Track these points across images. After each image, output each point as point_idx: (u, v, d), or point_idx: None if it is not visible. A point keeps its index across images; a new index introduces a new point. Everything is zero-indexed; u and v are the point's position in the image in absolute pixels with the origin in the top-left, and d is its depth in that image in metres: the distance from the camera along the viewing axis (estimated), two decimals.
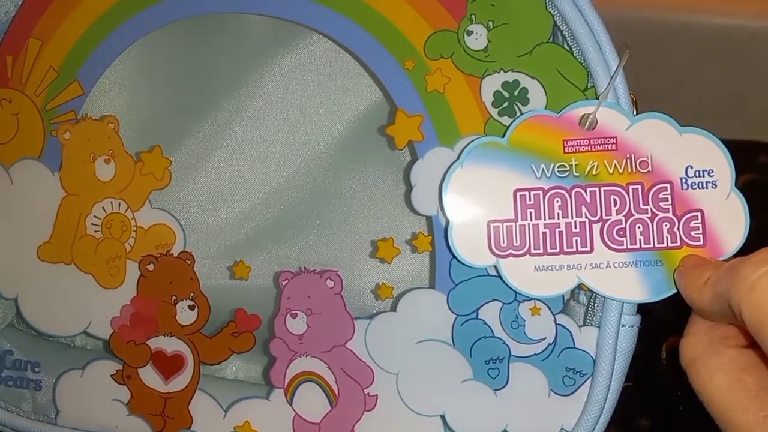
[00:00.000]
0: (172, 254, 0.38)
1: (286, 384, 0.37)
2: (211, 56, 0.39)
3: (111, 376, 0.39)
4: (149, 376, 0.39)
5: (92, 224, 0.39)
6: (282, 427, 0.37)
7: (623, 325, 0.33)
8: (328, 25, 0.36)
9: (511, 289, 0.33)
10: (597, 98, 0.33)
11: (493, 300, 0.34)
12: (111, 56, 0.38)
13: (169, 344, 0.39)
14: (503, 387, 0.35)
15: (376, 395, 0.36)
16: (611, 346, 0.33)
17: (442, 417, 0.35)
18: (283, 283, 0.37)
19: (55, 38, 0.39)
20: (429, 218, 0.35)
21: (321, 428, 0.37)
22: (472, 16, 0.34)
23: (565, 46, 0.34)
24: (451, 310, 0.35)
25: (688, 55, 0.47)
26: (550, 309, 0.34)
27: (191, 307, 0.38)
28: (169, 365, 0.39)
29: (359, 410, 0.36)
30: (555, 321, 0.34)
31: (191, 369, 0.38)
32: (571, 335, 0.34)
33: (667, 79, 0.48)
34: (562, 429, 0.34)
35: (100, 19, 0.38)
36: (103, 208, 0.39)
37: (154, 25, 0.38)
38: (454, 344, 0.35)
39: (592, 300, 0.34)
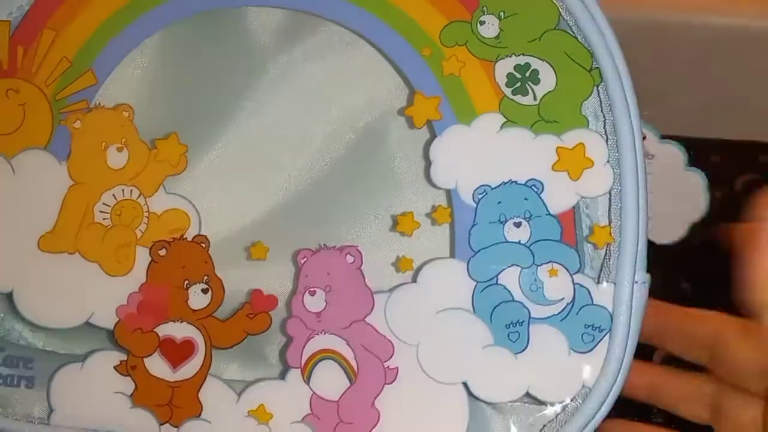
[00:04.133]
0: (185, 238, 0.39)
1: (303, 363, 0.38)
2: (227, 46, 0.41)
3: (114, 367, 0.39)
4: (156, 365, 0.39)
5: (101, 212, 0.40)
6: (299, 408, 0.38)
7: (636, 282, 0.36)
8: (345, 16, 0.39)
9: None
10: (601, 79, 0.37)
11: (512, 265, 0.37)
12: (128, 47, 0.40)
13: (179, 330, 0.39)
14: (524, 350, 0.37)
15: (396, 368, 0.37)
16: (628, 300, 0.36)
17: (464, 384, 0.37)
18: (302, 261, 0.38)
19: (71, 29, 0.40)
20: (448, 192, 0.38)
21: (340, 406, 0.38)
22: (485, 8, 0.38)
23: (570, 32, 0.38)
24: (471, 278, 0.37)
25: (688, 55, 0.50)
26: (567, 269, 0.36)
27: (204, 291, 0.39)
28: (178, 352, 0.39)
29: (379, 384, 0.37)
30: (573, 281, 0.36)
31: (202, 355, 0.39)
32: (589, 293, 0.36)
33: (667, 79, 0.51)
34: (583, 386, 0.36)
35: (119, 10, 0.40)
36: (113, 195, 0.40)
37: (173, 17, 0.40)
38: (474, 311, 0.37)
39: (606, 258, 0.36)
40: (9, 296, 0.40)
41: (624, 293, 0.36)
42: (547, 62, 0.38)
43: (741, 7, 0.53)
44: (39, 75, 0.40)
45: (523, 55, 0.38)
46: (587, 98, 0.37)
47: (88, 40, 0.40)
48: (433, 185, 0.38)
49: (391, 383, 0.37)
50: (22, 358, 0.40)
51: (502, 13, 0.38)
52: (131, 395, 0.39)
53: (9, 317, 0.42)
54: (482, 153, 0.38)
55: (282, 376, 0.38)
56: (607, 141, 0.37)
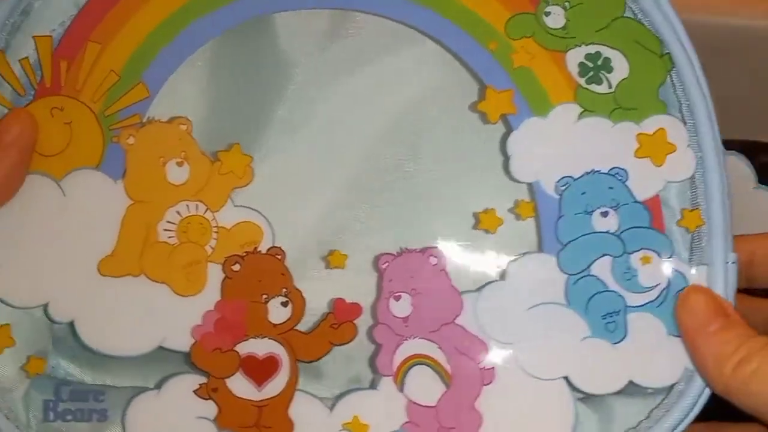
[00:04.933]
0: (259, 251, 0.38)
1: (394, 371, 0.37)
2: (282, 49, 0.40)
3: (194, 391, 0.37)
4: (239, 384, 0.37)
5: (165, 230, 0.38)
6: (395, 417, 0.37)
7: (727, 262, 0.36)
8: (407, 14, 0.38)
9: None
10: (673, 64, 0.37)
11: (603, 255, 0.37)
12: (181, 56, 0.39)
13: (261, 347, 0.38)
14: (622, 339, 0.37)
15: (493, 368, 0.37)
16: (722, 280, 0.36)
17: (565, 378, 0.36)
18: (384, 266, 0.37)
19: (117, 41, 0.38)
20: (529, 185, 0.37)
21: (438, 411, 0.37)
22: None
23: (637, 19, 0.38)
24: (562, 271, 0.37)
25: None
26: (660, 255, 0.36)
27: (284, 304, 0.37)
28: (261, 370, 0.37)
29: (477, 386, 0.37)
30: (666, 266, 0.37)
31: (287, 370, 0.37)
32: (684, 276, 0.36)
33: None
34: (686, 368, 0.36)
35: (169, 19, 0.38)
36: (177, 212, 0.38)
37: (225, 25, 0.39)
38: (568, 304, 0.37)
39: (696, 240, 0.37)
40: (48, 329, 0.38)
41: (718, 274, 0.36)
42: (618, 50, 0.38)
43: (741, 7, 0.54)
44: (85, 91, 0.38)
45: (593, 44, 0.38)
46: (662, 84, 0.38)
47: (135, 51, 0.38)
48: (513, 180, 0.38)
49: (489, 384, 0.37)
50: (92, 391, 0.38)
51: (567, 4, 0.38)
52: (215, 419, 0.37)
53: (52, 354, 0.40)
54: (562, 144, 0.37)
55: (373, 385, 0.37)
56: (685, 125, 0.37)
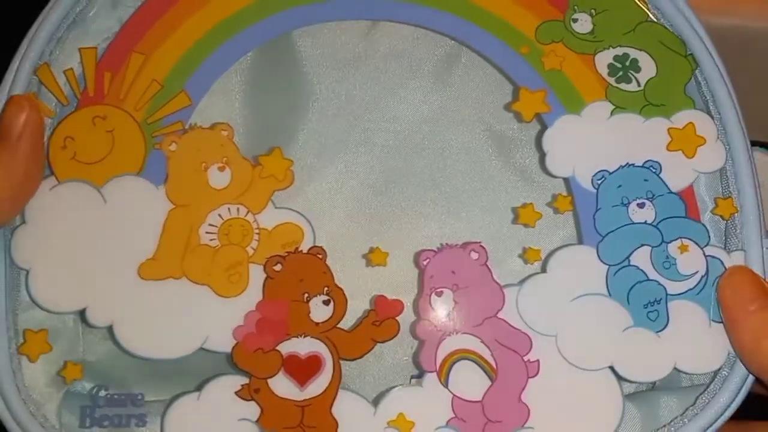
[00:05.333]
0: (301, 251, 0.38)
1: (438, 366, 0.37)
2: (317, 58, 0.41)
3: (235, 393, 0.37)
4: (282, 385, 0.37)
5: (207, 233, 0.38)
6: (441, 413, 0.37)
7: (763, 248, 0.37)
8: (443, 24, 0.40)
9: None
10: (697, 63, 0.39)
11: (642, 245, 0.37)
12: (222, 66, 0.40)
13: (303, 345, 0.37)
14: (665, 328, 0.37)
15: (538, 360, 0.37)
16: (759, 264, 0.37)
17: (611, 368, 0.36)
18: (425, 262, 0.38)
19: (160, 52, 0.40)
20: (566, 180, 0.38)
21: (485, 405, 0.37)
22: (575, 6, 0.40)
23: (660, 23, 0.39)
24: (602, 262, 0.37)
25: None
26: (697, 243, 0.37)
27: (326, 302, 0.38)
28: (304, 369, 0.37)
29: (522, 379, 0.37)
30: (704, 253, 0.37)
31: (330, 369, 0.37)
32: (722, 263, 0.37)
33: None
34: (729, 353, 0.36)
35: (210, 32, 0.40)
36: (219, 215, 0.39)
37: (267, 36, 0.40)
38: (610, 294, 0.37)
39: (731, 227, 0.37)
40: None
41: (755, 258, 0.37)
42: (645, 51, 0.39)
43: (741, 7, 0.55)
44: (128, 100, 0.39)
45: (620, 46, 0.40)
46: (688, 81, 0.39)
47: (178, 61, 0.40)
48: (550, 175, 0.38)
49: (534, 376, 0.37)
50: (130, 395, 0.38)
51: (593, 11, 0.40)
52: (257, 420, 0.37)
53: (88, 360, 0.40)
54: (596, 140, 0.39)
55: (418, 381, 0.37)
56: (713, 119, 0.38)
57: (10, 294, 0.38)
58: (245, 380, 0.37)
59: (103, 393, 0.38)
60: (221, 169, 0.39)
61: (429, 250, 0.38)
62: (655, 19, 0.40)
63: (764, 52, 0.53)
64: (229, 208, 0.39)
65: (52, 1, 0.39)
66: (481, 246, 0.38)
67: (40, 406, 0.37)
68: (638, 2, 0.40)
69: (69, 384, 0.38)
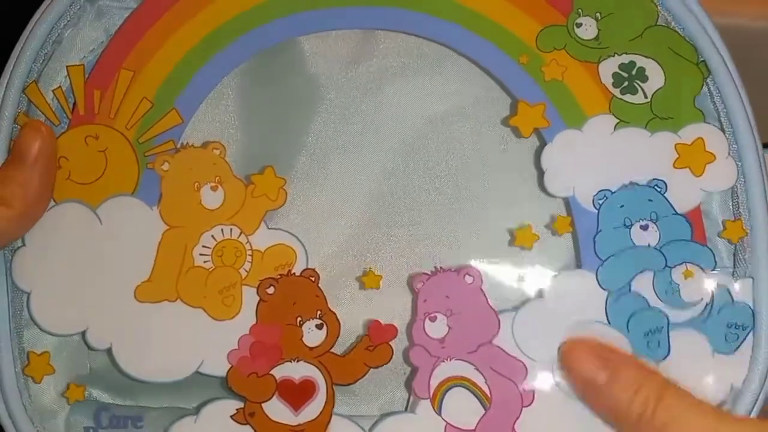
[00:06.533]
0: (294, 273, 0.37)
1: (432, 393, 0.36)
2: (309, 72, 0.40)
3: (231, 416, 0.37)
4: (276, 409, 0.37)
5: (201, 255, 0.38)
6: None
7: None
8: (435, 31, 0.38)
9: None
10: (709, 72, 0.36)
11: (644, 270, 0.36)
12: (212, 82, 0.39)
13: (297, 370, 0.37)
14: (666, 357, 0.35)
15: (533, 389, 0.36)
16: None
17: None
18: (419, 286, 0.37)
19: (149, 68, 0.39)
20: (565, 200, 0.37)
21: None
22: (579, 10, 0.37)
23: (670, 27, 0.37)
24: (602, 287, 0.36)
25: None
26: (702, 269, 0.35)
27: (319, 327, 0.37)
28: (298, 394, 0.37)
29: (516, 408, 0.36)
30: (710, 280, 0.35)
31: (324, 394, 0.37)
32: (728, 290, 0.35)
33: None
34: (732, 387, 0.35)
35: (198, 45, 0.39)
36: (212, 236, 0.38)
37: (255, 49, 0.39)
38: (609, 322, 0.36)
39: (740, 252, 0.35)
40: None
41: (764, 287, 0.35)
42: (653, 59, 0.37)
43: (741, 7, 0.53)
44: (119, 118, 0.39)
45: (626, 53, 0.37)
46: (699, 92, 0.37)
47: (167, 78, 0.39)
48: (549, 194, 0.37)
49: (528, 405, 0.36)
50: (131, 417, 0.38)
51: (598, 14, 0.37)
52: None
53: (91, 381, 0.40)
54: (598, 156, 0.37)
55: (411, 408, 0.37)
56: (724, 133, 0.36)
57: (14, 316, 0.38)
58: (240, 404, 0.37)
59: (105, 414, 0.39)
60: (214, 188, 0.38)
61: (423, 273, 0.37)
62: (664, 22, 0.37)
63: (764, 52, 0.50)
64: (222, 229, 0.38)
65: (36, 17, 0.38)
66: (475, 269, 0.37)
67: (46, 424, 0.38)
68: (648, 4, 0.37)
69: (72, 404, 0.39)
